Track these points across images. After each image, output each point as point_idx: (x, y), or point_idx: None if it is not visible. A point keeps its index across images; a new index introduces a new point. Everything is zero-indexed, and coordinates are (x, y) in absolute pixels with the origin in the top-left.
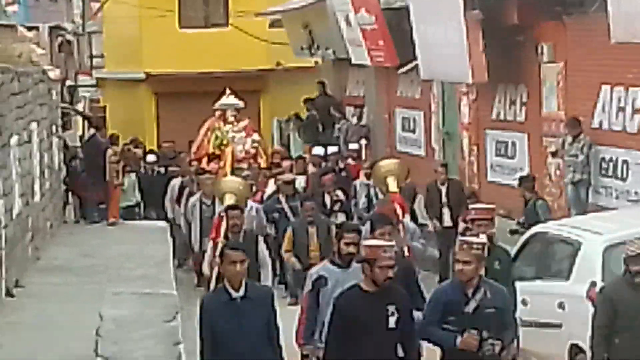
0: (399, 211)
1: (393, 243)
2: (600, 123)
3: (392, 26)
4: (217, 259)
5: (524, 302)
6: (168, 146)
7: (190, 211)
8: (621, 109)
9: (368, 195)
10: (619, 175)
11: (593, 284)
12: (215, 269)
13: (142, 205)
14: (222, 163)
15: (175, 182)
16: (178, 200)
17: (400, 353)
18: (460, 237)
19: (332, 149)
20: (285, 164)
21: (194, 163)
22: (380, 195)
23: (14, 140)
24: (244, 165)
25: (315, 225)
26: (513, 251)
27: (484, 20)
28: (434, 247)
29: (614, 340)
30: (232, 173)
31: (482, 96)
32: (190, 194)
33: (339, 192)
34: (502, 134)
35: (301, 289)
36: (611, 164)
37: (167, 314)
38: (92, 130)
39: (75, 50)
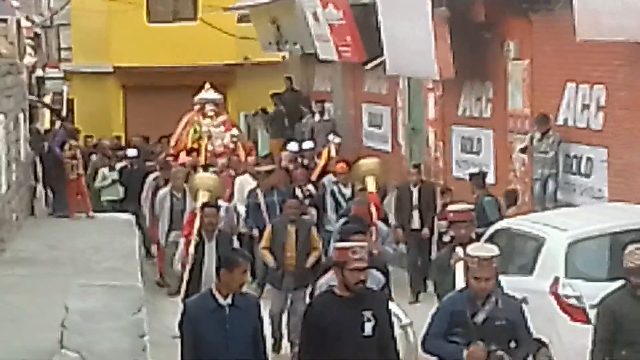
0: (374, 213)
1: (364, 244)
2: (565, 120)
3: (359, 22)
4: (190, 258)
5: None
6: (139, 140)
7: (159, 204)
8: (586, 107)
9: (333, 194)
10: (583, 172)
11: (556, 279)
12: (188, 267)
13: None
14: (200, 157)
15: (152, 177)
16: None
17: None
18: (472, 253)
19: (307, 145)
20: (250, 159)
21: (170, 158)
22: (344, 191)
23: None
24: (224, 160)
25: (296, 225)
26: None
27: (451, 17)
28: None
29: (621, 353)
30: (205, 168)
31: (448, 92)
32: (158, 187)
33: (310, 187)
34: (468, 130)
35: (272, 285)
36: (575, 161)
37: (132, 306)
38: (59, 124)
39: (44, 42)
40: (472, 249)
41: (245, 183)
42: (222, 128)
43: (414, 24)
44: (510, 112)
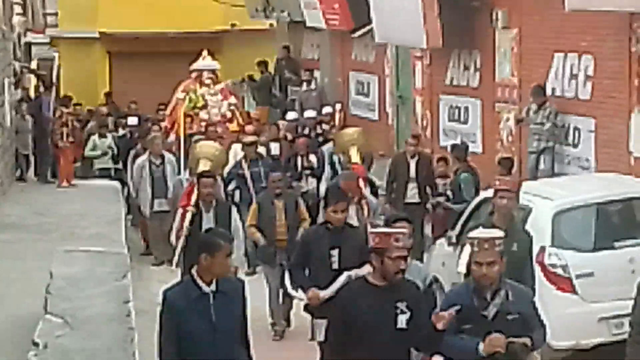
0: (363, 186)
1: (406, 230)
2: (553, 90)
3: None
4: (185, 230)
5: None
6: (135, 107)
7: (136, 172)
8: (574, 76)
9: (332, 163)
10: (571, 142)
11: (542, 248)
12: (182, 240)
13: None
14: (194, 125)
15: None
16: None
17: (414, 358)
18: (473, 234)
19: (308, 114)
20: (249, 128)
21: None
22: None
23: None
24: (219, 129)
25: (283, 199)
26: (464, 216)
27: None
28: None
29: None
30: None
31: (436, 61)
32: (137, 155)
33: (312, 157)
34: (456, 99)
35: (262, 262)
36: (563, 131)
37: (117, 273)
38: (42, 90)
39: (30, 7)
40: (474, 232)
41: (240, 151)
42: (220, 96)
43: None
44: (498, 81)
